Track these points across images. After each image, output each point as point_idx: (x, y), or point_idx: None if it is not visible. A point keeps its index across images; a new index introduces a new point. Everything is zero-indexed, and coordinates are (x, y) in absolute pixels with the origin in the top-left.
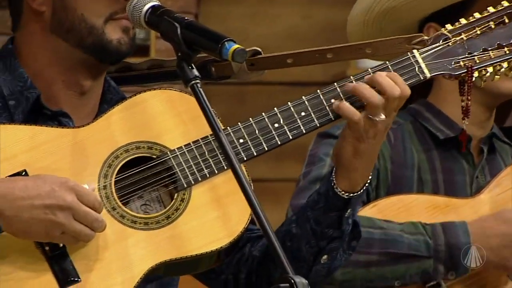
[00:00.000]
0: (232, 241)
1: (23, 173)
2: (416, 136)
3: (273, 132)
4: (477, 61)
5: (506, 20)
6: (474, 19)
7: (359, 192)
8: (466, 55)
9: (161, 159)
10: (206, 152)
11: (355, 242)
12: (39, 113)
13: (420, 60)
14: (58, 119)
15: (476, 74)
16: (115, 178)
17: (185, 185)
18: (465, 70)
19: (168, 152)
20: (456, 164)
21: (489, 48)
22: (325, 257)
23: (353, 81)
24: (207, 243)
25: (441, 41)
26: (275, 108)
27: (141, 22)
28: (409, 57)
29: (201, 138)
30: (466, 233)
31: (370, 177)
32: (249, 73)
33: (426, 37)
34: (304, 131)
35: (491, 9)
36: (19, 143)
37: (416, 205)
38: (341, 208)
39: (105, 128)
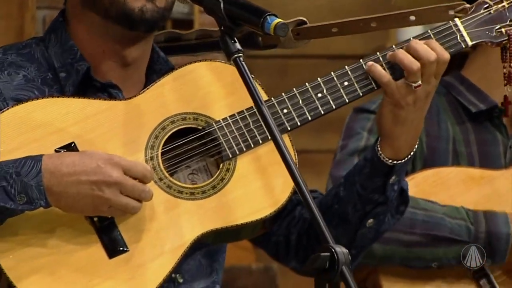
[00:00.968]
0: (276, 210)
1: (72, 145)
2: (449, 109)
3: (317, 102)
4: None
5: None
6: None
7: (403, 160)
8: (508, 23)
9: (206, 130)
10: (251, 123)
11: (403, 207)
12: (89, 85)
13: (461, 28)
14: (108, 90)
15: None
16: (162, 149)
17: (230, 155)
18: (507, 38)
19: (214, 123)
20: (490, 136)
21: None
22: (370, 220)
23: (379, 58)
24: (252, 212)
25: (482, 9)
26: (318, 78)
27: None
28: (451, 25)
29: (246, 109)
30: (507, 223)
31: (416, 146)
32: (295, 42)
33: (468, 5)
34: (347, 101)
35: None
36: (69, 115)
37: (452, 178)
38: (385, 174)
39: (151, 100)
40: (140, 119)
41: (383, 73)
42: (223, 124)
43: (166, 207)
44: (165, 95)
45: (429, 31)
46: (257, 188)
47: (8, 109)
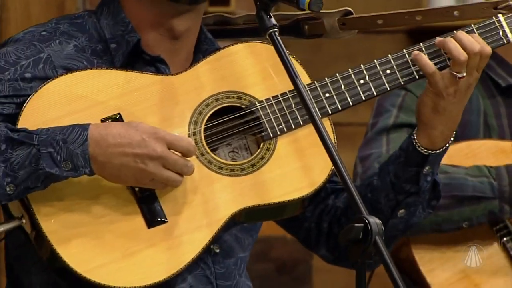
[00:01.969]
0: (313, 191)
1: (118, 116)
2: (480, 83)
3: (358, 88)
4: None
5: None
6: None
7: (438, 150)
8: None
9: (249, 109)
10: (293, 105)
11: (435, 202)
12: (139, 57)
13: (504, 25)
14: (155, 64)
15: None
16: (205, 125)
17: (271, 135)
18: None
19: (257, 103)
20: None
21: None
22: (402, 211)
23: (422, 48)
24: (289, 191)
25: None
26: (362, 65)
27: None
28: (494, 21)
29: (289, 91)
30: None
31: (452, 138)
32: (340, 32)
33: (511, 3)
34: (388, 88)
35: None
36: (115, 87)
37: (484, 150)
38: (419, 164)
39: (196, 77)
40: (184, 95)
41: (429, 63)
42: (266, 104)
43: (206, 181)
44: (210, 73)
45: (472, 25)
46: (295, 168)
47: (57, 77)
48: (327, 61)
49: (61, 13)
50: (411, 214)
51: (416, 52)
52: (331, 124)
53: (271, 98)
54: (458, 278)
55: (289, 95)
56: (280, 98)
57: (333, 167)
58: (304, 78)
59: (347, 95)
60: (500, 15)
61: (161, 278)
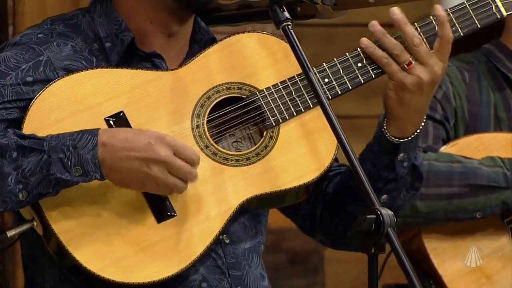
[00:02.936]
0: (321, 174)
1: (121, 114)
2: (489, 75)
3: (357, 72)
4: None
5: None
6: None
7: (409, 138)
8: None
9: (250, 99)
10: (293, 92)
11: (418, 183)
12: (134, 55)
13: None
14: (151, 60)
15: None
16: (207, 117)
17: (274, 124)
18: None
19: (257, 92)
20: None
21: None
22: (384, 196)
23: (433, 21)
24: (296, 177)
25: None
26: (358, 49)
27: None
28: None
29: (288, 79)
30: None
31: (422, 124)
32: (332, 13)
33: None
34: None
35: None
36: (117, 86)
37: (494, 143)
38: (392, 151)
39: (196, 70)
40: (186, 89)
41: (382, 54)
42: (266, 93)
43: (212, 173)
44: (210, 66)
45: (465, 2)
46: (300, 154)
47: (58, 79)
48: (340, 53)
49: (76, 6)
50: (394, 199)
51: (365, 40)
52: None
53: (271, 86)
54: (470, 269)
55: (288, 83)
56: (280, 86)
57: (337, 148)
58: None
59: (346, 80)
60: None
61: (174, 272)
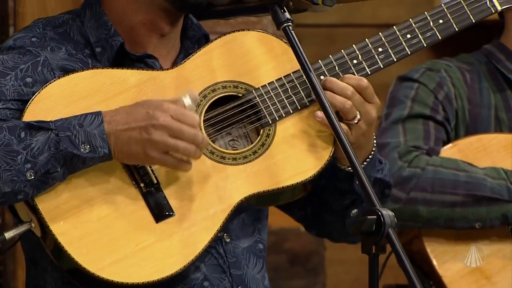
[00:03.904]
0: (318, 172)
1: None
2: (490, 76)
3: (353, 69)
4: None
5: None
6: None
7: (363, 164)
8: None
9: (246, 97)
10: (289, 89)
11: (388, 191)
12: (125, 59)
13: None
14: (144, 61)
15: None
16: (204, 116)
17: (270, 122)
18: None
19: (253, 91)
20: None
21: None
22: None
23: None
24: (294, 174)
25: None
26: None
27: None
28: None
29: (284, 76)
30: None
31: (373, 151)
32: (322, 6)
33: None
34: (382, 66)
35: None
36: (113, 86)
37: (494, 144)
38: (348, 179)
39: (192, 70)
40: (182, 88)
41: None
42: (262, 91)
43: (210, 172)
44: (206, 64)
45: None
46: (297, 151)
47: (54, 80)
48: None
49: (76, 6)
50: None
51: (320, 114)
52: None
53: (266, 84)
54: (470, 270)
55: (284, 81)
56: (276, 84)
57: (334, 145)
58: None
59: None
60: None
61: (174, 271)
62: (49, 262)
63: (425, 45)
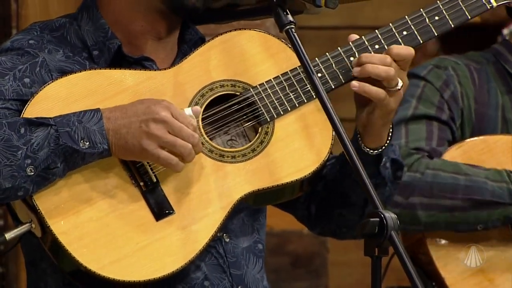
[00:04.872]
0: (317, 169)
1: None
2: (498, 76)
3: (349, 66)
4: None
5: None
6: None
7: (387, 142)
8: None
9: (244, 95)
10: (287, 87)
11: (400, 172)
12: (122, 61)
13: None
14: (141, 63)
15: None
16: (202, 115)
17: (268, 119)
18: None
19: (251, 89)
20: None
21: None
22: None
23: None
24: (292, 172)
25: None
26: (350, 43)
27: None
28: None
29: (281, 74)
30: None
31: (392, 122)
32: (320, 8)
33: None
34: None
35: None
36: (111, 86)
37: (499, 146)
38: (376, 162)
39: (189, 69)
40: (179, 88)
41: (377, 90)
42: (260, 89)
43: (209, 170)
44: (203, 64)
45: (438, 1)
46: (296, 148)
47: (53, 81)
48: None
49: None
50: (381, 195)
51: (356, 84)
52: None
53: (264, 82)
54: (472, 272)
55: (281, 78)
56: (274, 82)
57: (333, 141)
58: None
59: (339, 73)
60: None
61: (174, 269)
62: (49, 264)
63: (421, 41)
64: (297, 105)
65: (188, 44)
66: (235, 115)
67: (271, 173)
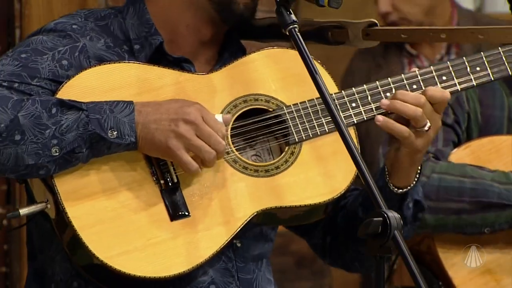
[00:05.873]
0: (334, 198)
1: None
2: (504, 80)
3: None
4: None
5: None
6: None
7: (414, 182)
8: None
9: (277, 112)
10: (320, 111)
11: (420, 214)
12: (162, 58)
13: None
14: (180, 64)
15: None
16: (232, 125)
17: (297, 140)
18: None
19: (284, 107)
20: None
21: None
22: None
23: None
24: (309, 196)
25: None
26: (389, 78)
27: None
28: (500, 51)
29: (316, 98)
30: None
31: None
32: (363, 42)
33: None
34: None
35: None
36: (147, 82)
37: (507, 146)
38: (400, 200)
39: (225, 78)
40: (213, 95)
41: (401, 128)
42: (293, 109)
43: (231, 180)
44: (241, 75)
45: (499, 48)
46: (318, 174)
47: (89, 68)
48: (347, 55)
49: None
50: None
51: (381, 118)
52: (355, 132)
53: (298, 103)
54: (480, 273)
55: (316, 102)
56: (308, 104)
57: (355, 175)
58: (331, 88)
59: (373, 107)
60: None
61: (180, 271)
62: (59, 251)
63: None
64: (327, 131)
65: (229, 53)
66: (264, 130)
67: (288, 193)
